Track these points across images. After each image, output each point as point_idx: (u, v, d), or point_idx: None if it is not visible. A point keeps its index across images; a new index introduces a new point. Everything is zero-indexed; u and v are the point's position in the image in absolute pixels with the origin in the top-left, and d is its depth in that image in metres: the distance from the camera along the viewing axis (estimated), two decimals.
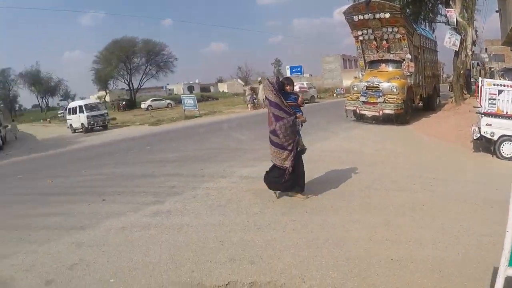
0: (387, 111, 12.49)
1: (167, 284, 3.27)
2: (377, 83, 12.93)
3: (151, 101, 46.95)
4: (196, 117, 23.22)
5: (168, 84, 73.66)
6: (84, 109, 22.00)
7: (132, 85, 54.77)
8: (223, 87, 76.43)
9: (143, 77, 54.51)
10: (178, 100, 45.58)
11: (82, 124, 22.05)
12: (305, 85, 30.31)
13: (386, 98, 12.55)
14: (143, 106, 45.63)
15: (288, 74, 38.49)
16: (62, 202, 6.41)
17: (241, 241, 3.88)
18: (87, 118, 21.59)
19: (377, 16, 12.99)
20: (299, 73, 39.99)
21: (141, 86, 56.46)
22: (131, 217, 5.11)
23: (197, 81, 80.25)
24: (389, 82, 12.85)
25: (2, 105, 61.17)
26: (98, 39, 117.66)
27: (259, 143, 9.73)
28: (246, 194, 5.57)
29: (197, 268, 3.45)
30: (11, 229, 5.26)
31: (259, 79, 35.57)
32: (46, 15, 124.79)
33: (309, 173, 5.71)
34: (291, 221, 4.30)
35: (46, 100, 70.03)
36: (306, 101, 23.59)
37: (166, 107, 44.71)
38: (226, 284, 3.17)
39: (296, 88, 17.04)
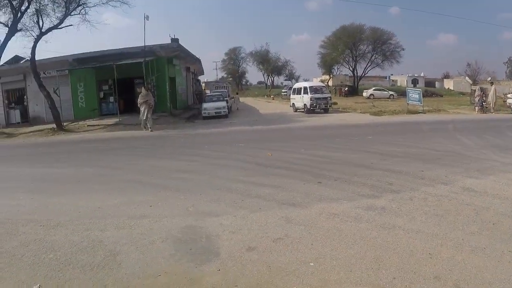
0: None
1: (365, 283, 3.08)
2: None
3: (373, 90, 46.50)
4: (419, 113, 21.29)
5: (392, 74, 71.02)
6: (308, 90, 22.76)
7: (356, 72, 55.47)
8: (449, 84, 67.53)
9: (368, 65, 54.33)
10: (400, 92, 43.40)
11: (304, 104, 22.99)
12: None
13: None
14: (364, 94, 45.80)
15: None
16: (278, 175, 6.80)
17: (450, 259, 3.47)
18: (311, 99, 22.23)
19: None
20: None
21: (365, 74, 56.46)
22: (344, 206, 5.03)
23: (422, 74, 73.80)
24: None
25: (231, 79, 73.98)
26: (322, 24, 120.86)
27: (485, 153, 8.58)
28: (465, 208, 4.90)
29: (399, 275, 3.18)
30: (225, 191, 5.79)
31: (489, 79, 29.29)
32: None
33: None
34: (509, 251, 3.63)
35: (272, 78, 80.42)
36: None
37: (388, 98, 43.31)
38: None
39: None
